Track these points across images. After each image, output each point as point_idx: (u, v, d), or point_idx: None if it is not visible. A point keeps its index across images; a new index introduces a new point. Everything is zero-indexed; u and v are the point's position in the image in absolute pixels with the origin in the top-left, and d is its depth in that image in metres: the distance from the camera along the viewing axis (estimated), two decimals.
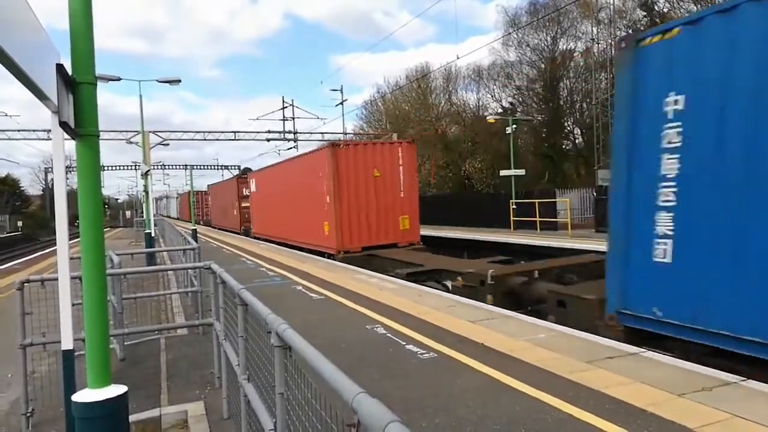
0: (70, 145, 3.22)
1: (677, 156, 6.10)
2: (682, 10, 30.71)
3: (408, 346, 6.62)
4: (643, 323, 6.50)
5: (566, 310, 8.17)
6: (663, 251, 6.26)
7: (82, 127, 3.03)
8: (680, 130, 6.07)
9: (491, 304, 9.19)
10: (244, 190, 34.29)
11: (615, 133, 7.18)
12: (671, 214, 6.18)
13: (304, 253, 19.50)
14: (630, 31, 34.14)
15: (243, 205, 34.77)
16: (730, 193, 5.57)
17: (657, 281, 6.32)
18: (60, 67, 2.88)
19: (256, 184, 29.05)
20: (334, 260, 16.93)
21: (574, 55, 39.35)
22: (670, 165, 6.19)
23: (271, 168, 26.99)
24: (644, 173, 6.50)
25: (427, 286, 11.54)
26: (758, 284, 5.30)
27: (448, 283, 12.39)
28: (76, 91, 3.01)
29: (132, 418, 4.62)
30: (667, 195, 6.22)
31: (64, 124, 2.94)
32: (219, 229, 42.72)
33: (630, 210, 6.70)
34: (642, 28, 33.65)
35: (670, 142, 6.19)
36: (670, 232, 6.17)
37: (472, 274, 10.94)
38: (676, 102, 6.13)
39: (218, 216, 45.22)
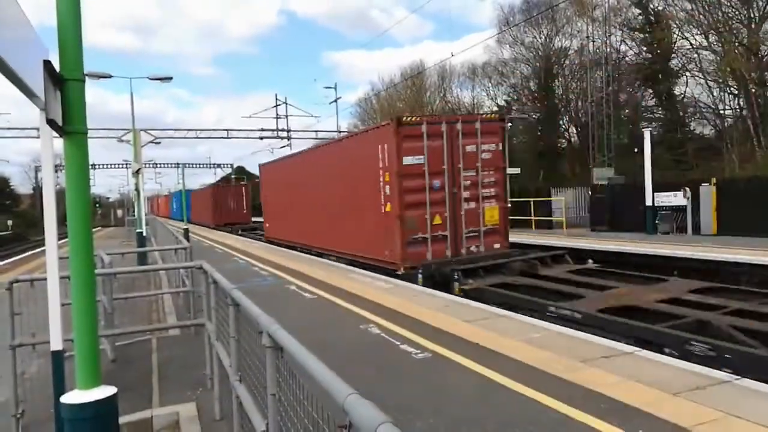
0: (60, 143, 3.17)
1: None
2: (676, 8, 30.83)
3: (402, 346, 6.59)
4: None
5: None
6: None
7: (70, 124, 2.99)
8: None
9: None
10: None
11: None
12: None
13: (297, 253, 19.44)
14: (623, 29, 34.27)
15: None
16: None
17: None
18: (47, 64, 2.83)
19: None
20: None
21: (569, 53, 39.45)
22: None
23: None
24: None
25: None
26: None
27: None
28: (64, 88, 2.97)
29: (123, 419, 4.57)
30: None
31: (51, 122, 2.90)
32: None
33: None
34: (637, 27, 33.80)
35: None
36: None
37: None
38: None
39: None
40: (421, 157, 12.74)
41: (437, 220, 13.09)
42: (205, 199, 46.47)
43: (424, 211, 12.85)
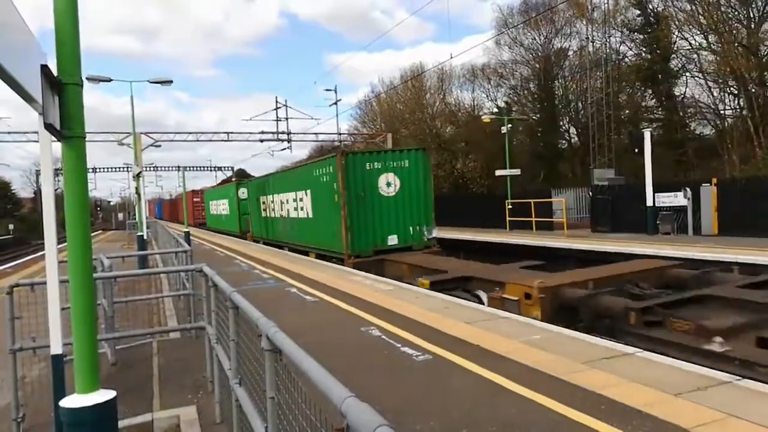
0: (59, 147, 3.17)
1: None
2: (675, 9, 30.86)
3: (403, 348, 6.59)
4: None
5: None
6: None
7: (68, 129, 2.97)
8: None
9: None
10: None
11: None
12: None
13: (298, 255, 19.48)
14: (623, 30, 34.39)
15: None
16: None
17: None
18: (44, 68, 2.82)
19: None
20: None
21: (569, 54, 39.48)
22: None
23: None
24: None
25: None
26: None
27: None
28: (62, 92, 2.95)
29: (123, 423, 4.57)
30: None
31: (49, 126, 2.89)
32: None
33: None
34: (636, 28, 33.87)
35: None
36: None
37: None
38: None
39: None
40: (199, 199, 55.10)
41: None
42: (166, 205, 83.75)
43: (201, 212, 53.99)
